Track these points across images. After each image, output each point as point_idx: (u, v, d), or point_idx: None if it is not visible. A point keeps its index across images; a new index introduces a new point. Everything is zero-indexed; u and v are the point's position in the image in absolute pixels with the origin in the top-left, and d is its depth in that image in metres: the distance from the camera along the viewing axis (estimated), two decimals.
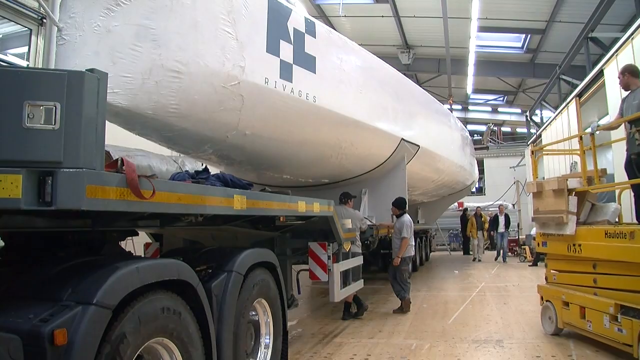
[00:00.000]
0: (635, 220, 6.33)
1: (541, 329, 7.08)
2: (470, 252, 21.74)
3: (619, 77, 6.58)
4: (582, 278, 6.27)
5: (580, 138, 7.11)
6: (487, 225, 20.12)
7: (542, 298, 7.26)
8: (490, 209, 22.67)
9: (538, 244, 7.38)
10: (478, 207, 21.53)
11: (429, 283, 13.15)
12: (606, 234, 5.72)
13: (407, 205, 9.23)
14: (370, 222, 8.95)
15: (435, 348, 6.36)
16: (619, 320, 5.27)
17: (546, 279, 7.37)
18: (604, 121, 17.86)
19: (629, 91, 6.40)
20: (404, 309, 8.74)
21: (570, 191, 6.49)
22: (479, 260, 18.98)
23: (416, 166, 10.15)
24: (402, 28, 21.13)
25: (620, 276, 5.53)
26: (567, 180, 6.60)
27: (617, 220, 6.26)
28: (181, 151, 6.10)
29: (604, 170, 6.60)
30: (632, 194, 6.19)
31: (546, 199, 6.89)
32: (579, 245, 6.23)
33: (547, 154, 9.51)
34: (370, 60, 8.43)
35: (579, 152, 6.99)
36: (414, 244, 9.41)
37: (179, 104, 4.52)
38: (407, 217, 9.04)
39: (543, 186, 7.02)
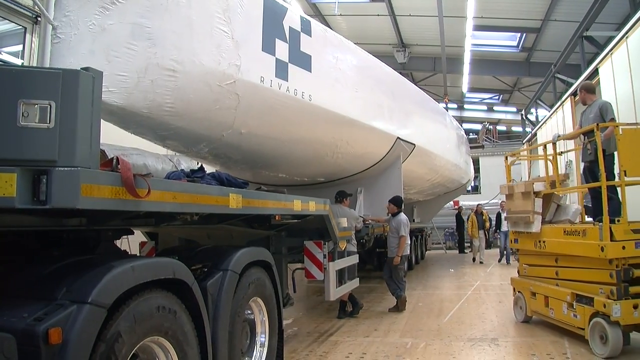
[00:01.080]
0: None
1: (536, 327, 7.11)
2: (467, 251, 21.79)
3: (578, 94, 7.29)
4: (547, 271, 7.03)
5: (545, 146, 7.85)
6: (488, 225, 19.13)
7: (514, 289, 7.98)
8: (486, 208, 22.72)
9: (512, 240, 8.08)
10: (479, 204, 20.29)
11: (425, 282, 13.18)
12: (565, 231, 6.54)
13: (403, 204, 9.25)
14: (365, 220, 8.96)
15: (431, 346, 6.37)
16: (575, 307, 6.10)
17: (518, 272, 8.07)
18: None
19: (586, 105, 7.14)
20: (399, 307, 8.75)
21: (537, 193, 7.24)
22: (481, 262, 17.33)
23: (412, 165, 10.17)
24: (397, 27, 21.15)
25: (576, 269, 6.31)
26: (533, 184, 7.46)
27: (578, 219, 6.92)
28: (177, 150, 6.10)
29: (565, 175, 7.42)
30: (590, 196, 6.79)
31: (516, 201, 7.72)
32: (544, 241, 6.99)
33: (521, 159, 10.40)
34: (366, 59, 8.44)
35: (547, 157, 7.74)
36: (409, 242, 9.42)
37: (174, 102, 4.51)
38: (403, 216, 9.05)
39: (513, 189, 7.88)
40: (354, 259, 7.80)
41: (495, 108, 34.26)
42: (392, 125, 8.70)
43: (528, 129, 25.99)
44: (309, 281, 7.42)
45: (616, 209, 6.05)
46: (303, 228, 6.36)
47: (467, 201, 24.14)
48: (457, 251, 23.05)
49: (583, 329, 5.95)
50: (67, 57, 3.96)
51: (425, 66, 25.12)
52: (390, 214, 9.12)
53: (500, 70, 24.23)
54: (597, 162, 6.21)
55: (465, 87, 27.52)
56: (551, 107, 19.86)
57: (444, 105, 22.81)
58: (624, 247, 5.56)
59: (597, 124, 6.18)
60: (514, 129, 35.98)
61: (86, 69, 2.60)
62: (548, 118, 20.05)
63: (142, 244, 6.11)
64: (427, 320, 7.99)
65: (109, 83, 3.86)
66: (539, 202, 7.20)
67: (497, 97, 31.57)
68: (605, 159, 6.21)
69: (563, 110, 17.46)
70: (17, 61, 8.64)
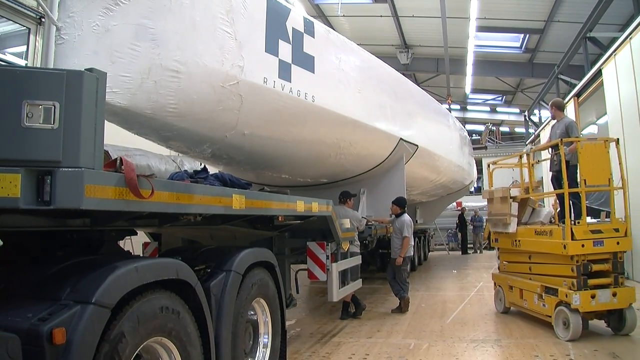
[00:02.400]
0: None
1: (538, 328, 7.10)
2: (470, 252, 21.64)
3: (549, 109, 8.41)
4: (522, 266, 7.97)
5: (520, 157, 8.80)
6: None
7: (495, 284, 8.88)
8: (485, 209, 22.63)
9: (494, 240, 8.98)
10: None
11: (428, 282, 13.16)
12: (536, 232, 7.48)
13: (406, 204, 9.24)
14: (369, 220, 8.96)
15: (434, 347, 6.36)
16: (543, 298, 7.01)
17: (499, 268, 8.93)
18: (602, 121, 17.94)
19: (556, 121, 8.05)
20: (402, 308, 8.74)
21: (513, 198, 8.21)
22: None
23: (415, 166, 10.16)
24: (400, 28, 21.15)
25: (546, 264, 7.20)
26: (510, 189, 8.51)
27: (551, 221, 7.71)
28: (180, 150, 6.10)
29: (539, 182, 8.27)
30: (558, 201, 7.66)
31: (496, 204, 8.60)
32: (519, 240, 7.91)
33: (500, 167, 11.42)
34: (369, 60, 8.43)
35: (524, 165, 8.76)
36: (413, 243, 9.41)
37: (177, 103, 4.52)
38: (407, 217, 9.04)
39: (493, 194, 8.73)
40: (357, 260, 7.80)
41: (498, 109, 34.23)
42: (395, 126, 8.69)
43: (531, 130, 25.98)
44: (312, 282, 7.42)
45: (579, 212, 6.89)
46: (306, 229, 6.36)
47: (470, 202, 24.10)
48: (460, 252, 23.00)
49: (550, 317, 6.82)
50: (71, 57, 3.97)
51: (428, 67, 25.11)
52: (393, 215, 9.11)
53: (503, 71, 24.21)
54: (562, 172, 6.96)
55: (468, 88, 27.52)
56: None
57: (447, 106, 22.78)
58: (583, 245, 6.44)
59: (562, 139, 7.05)
60: (517, 130, 35.96)
61: (90, 69, 2.61)
62: (551, 119, 20.02)
63: (145, 245, 6.13)
64: (430, 321, 7.97)
65: (112, 84, 3.86)
66: (515, 205, 8.17)
67: (500, 98, 31.55)
68: (570, 169, 7.08)
69: (566, 111, 17.44)
70: (21, 62, 8.67)
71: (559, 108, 8.09)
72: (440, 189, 14.42)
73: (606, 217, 13.10)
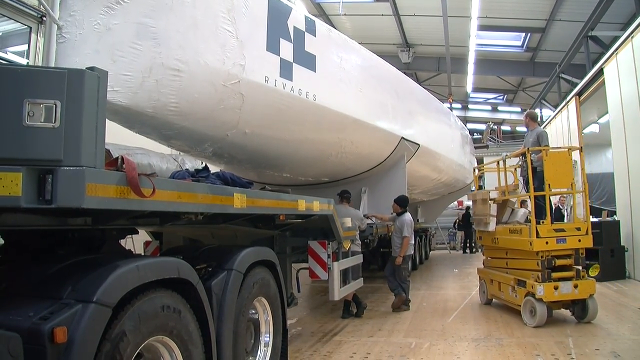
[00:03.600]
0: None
1: (540, 327, 7.11)
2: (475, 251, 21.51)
3: (524, 119, 9.24)
4: (500, 262, 8.80)
5: (498, 163, 9.35)
6: None
7: (479, 278, 9.63)
8: None
9: (478, 237, 9.86)
10: (524, 200, 17.09)
11: (429, 282, 13.16)
12: (510, 230, 8.29)
13: (408, 204, 9.22)
14: (368, 216, 8.94)
15: (435, 347, 6.36)
16: (515, 289, 7.80)
17: (483, 263, 9.69)
18: (603, 120, 17.93)
19: (529, 130, 8.83)
20: (394, 304, 8.78)
21: (492, 200, 9.08)
22: None
23: (416, 165, 10.15)
24: (402, 26, 21.14)
25: (518, 259, 8.03)
26: (489, 192, 9.52)
27: (526, 220, 8.30)
28: (181, 149, 6.10)
29: (515, 185, 9.07)
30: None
31: (478, 205, 9.45)
32: (497, 238, 8.73)
33: (486, 172, 12.29)
34: (370, 59, 8.42)
35: (499, 170, 9.30)
36: (413, 242, 9.40)
37: (179, 102, 4.51)
38: (407, 216, 9.03)
39: (475, 196, 9.73)
40: (358, 259, 7.80)
41: (499, 108, 34.20)
42: (396, 125, 8.68)
43: None
44: (313, 281, 7.41)
45: (544, 213, 7.61)
46: (307, 228, 6.36)
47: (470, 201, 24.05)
48: (461, 251, 22.94)
49: (520, 305, 7.59)
50: (72, 56, 3.97)
51: (429, 66, 25.10)
52: (394, 214, 9.10)
53: (504, 70, 24.18)
54: (532, 177, 7.78)
55: (469, 87, 27.50)
56: (556, 107, 19.83)
57: (448, 105, 22.77)
58: (547, 242, 7.27)
59: (528, 148, 7.94)
60: (519, 129, 35.89)
61: (91, 68, 2.60)
62: (553, 118, 20.01)
63: (146, 244, 6.12)
64: (431, 320, 7.97)
65: (113, 83, 3.85)
66: (494, 207, 8.98)
67: (501, 97, 31.53)
68: (538, 175, 7.79)
69: (568, 110, 17.43)
70: (23, 61, 8.67)
71: (532, 119, 8.95)
72: (442, 187, 14.42)
73: (607, 216, 13.31)
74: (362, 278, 7.99)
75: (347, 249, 7.25)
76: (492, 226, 8.85)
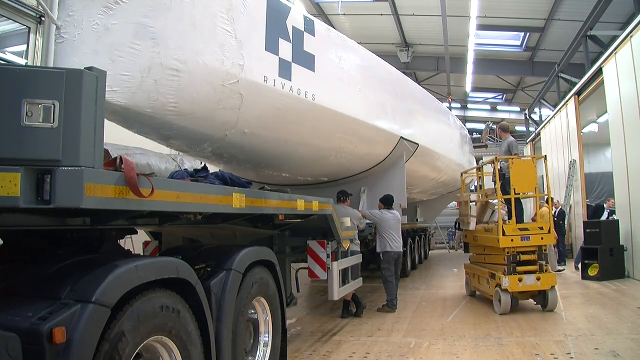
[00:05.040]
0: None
1: (539, 326, 7.12)
2: None
3: (497, 130, 11.24)
4: (480, 257, 9.76)
5: (478, 168, 10.31)
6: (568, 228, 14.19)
7: (465, 272, 10.62)
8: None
9: (464, 236, 10.89)
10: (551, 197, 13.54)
11: (428, 281, 13.17)
12: (485, 229, 9.38)
13: (392, 203, 9.05)
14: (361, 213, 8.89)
15: (434, 346, 6.37)
16: (489, 282, 8.77)
17: (469, 259, 10.65)
18: (602, 119, 17.93)
19: (501, 140, 10.36)
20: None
21: (473, 202, 10.32)
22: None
23: (415, 164, 10.15)
24: (401, 26, 21.12)
25: (492, 255, 9.03)
26: (469, 195, 10.71)
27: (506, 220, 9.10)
28: (180, 149, 6.10)
29: (490, 190, 9.87)
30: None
31: (463, 207, 10.56)
32: (477, 236, 9.78)
33: (470, 176, 12.89)
34: (369, 59, 8.42)
35: (477, 175, 10.47)
36: (400, 238, 9.19)
37: (177, 102, 4.51)
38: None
39: (459, 198, 10.96)
40: (357, 259, 7.80)
41: (498, 107, 34.13)
42: (395, 124, 8.68)
43: (531, 129, 25.95)
44: (312, 281, 7.41)
45: (510, 214, 8.68)
46: (306, 227, 6.36)
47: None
48: (462, 250, 22.89)
49: (492, 296, 8.61)
50: (70, 56, 3.96)
51: (428, 65, 25.08)
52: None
53: (503, 69, 24.17)
54: (503, 182, 8.93)
55: (468, 87, 27.49)
56: (555, 106, 19.83)
57: (447, 104, 22.75)
58: (512, 240, 8.25)
59: (496, 157, 9.08)
60: (518, 128, 35.86)
61: (90, 68, 2.60)
62: (551, 117, 20.01)
63: (145, 244, 6.12)
64: (430, 320, 7.98)
65: (112, 83, 3.85)
66: (474, 208, 10.22)
67: (500, 97, 31.50)
68: (507, 180, 8.80)
69: (567, 109, 17.43)
70: (21, 61, 8.66)
71: (504, 130, 10.32)
72: (441, 187, 14.42)
73: (609, 216, 13.33)
74: (361, 278, 8.00)
75: (346, 248, 7.25)
76: (472, 225, 10.05)
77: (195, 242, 5.84)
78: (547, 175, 9.60)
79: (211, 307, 3.52)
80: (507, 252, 8.25)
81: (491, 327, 7.35)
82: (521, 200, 9.24)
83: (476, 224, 10.13)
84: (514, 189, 8.50)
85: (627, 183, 12.09)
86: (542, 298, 8.32)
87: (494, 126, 33.40)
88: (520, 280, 8.10)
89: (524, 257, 8.30)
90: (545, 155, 9.41)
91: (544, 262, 8.38)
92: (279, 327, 4.87)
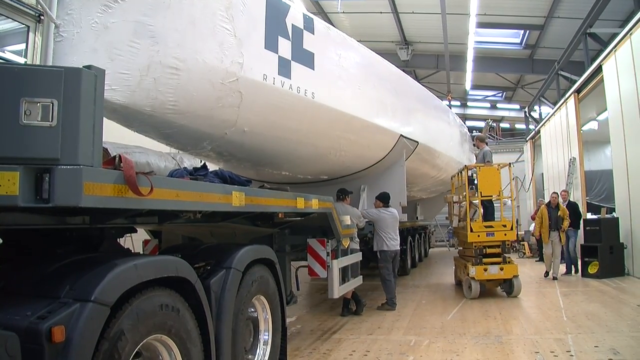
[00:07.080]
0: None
1: (540, 325, 7.11)
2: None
3: (474, 141, 13.18)
4: (463, 251, 11.29)
5: (459, 174, 11.47)
6: (566, 223, 12.23)
7: (454, 264, 11.99)
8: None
9: (453, 231, 13.41)
10: (555, 192, 13.23)
11: (428, 279, 13.18)
12: (461, 227, 10.84)
13: (389, 200, 9.04)
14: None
15: (434, 344, 6.37)
16: (464, 271, 10.16)
17: (458, 253, 12.14)
18: (602, 117, 17.91)
19: (478, 150, 11.77)
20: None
21: (456, 202, 11.94)
22: (555, 278, 12.08)
23: (415, 162, 10.15)
24: (400, 24, 21.10)
25: (468, 249, 10.39)
26: (452, 196, 12.16)
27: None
28: (179, 148, 6.09)
29: (472, 192, 10.47)
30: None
31: (448, 207, 12.50)
32: (459, 232, 11.40)
33: (456, 178, 12.70)
34: (369, 57, 8.41)
35: (459, 178, 11.44)
36: (397, 236, 9.19)
37: (177, 100, 4.51)
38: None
39: (447, 198, 12.85)
40: (357, 257, 7.80)
41: (498, 105, 34.13)
42: (395, 122, 8.67)
43: (531, 127, 25.93)
44: (312, 279, 7.41)
45: (481, 213, 10.18)
46: (306, 226, 6.36)
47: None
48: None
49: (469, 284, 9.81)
50: (69, 55, 3.96)
51: (428, 63, 25.05)
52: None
53: (503, 67, 24.14)
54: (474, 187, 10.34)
55: (468, 85, 27.46)
56: (554, 104, 19.81)
57: (447, 102, 22.73)
58: (479, 236, 9.73)
59: (466, 166, 10.87)
60: (518, 126, 35.85)
61: (88, 67, 2.60)
62: (551, 115, 19.99)
63: (145, 242, 6.12)
64: (430, 318, 7.98)
65: (111, 81, 3.85)
66: (457, 207, 11.81)
67: (500, 95, 31.48)
68: (476, 185, 10.19)
69: (567, 107, 17.42)
70: (20, 60, 8.65)
71: (480, 141, 11.89)
72: (441, 185, 14.41)
73: (607, 213, 13.36)
74: (361, 276, 7.99)
75: (346, 246, 7.25)
76: (455, 223, 11.94)
77: (195, 240, 5.84)
78: (511, 180, 10.88)
79: (211, 305, 3.51)
80: (475, 246, 9.70)
81: (491, 325, 7.35)
82: (492, 201, 10.47)
83: (458, 222, 11.57)
84: (481, 192, 10.02)
85: (627, 181, 12.09)
86: (508, 286, 9.71)
87: (494, 124, 33.50)
88: (485, 270, 9.50)
89: (489, 251, 9.74)
90: (510, 163, 10.96)
91: (507, 255, 9.97)
92: (279, 326, 4.86)
